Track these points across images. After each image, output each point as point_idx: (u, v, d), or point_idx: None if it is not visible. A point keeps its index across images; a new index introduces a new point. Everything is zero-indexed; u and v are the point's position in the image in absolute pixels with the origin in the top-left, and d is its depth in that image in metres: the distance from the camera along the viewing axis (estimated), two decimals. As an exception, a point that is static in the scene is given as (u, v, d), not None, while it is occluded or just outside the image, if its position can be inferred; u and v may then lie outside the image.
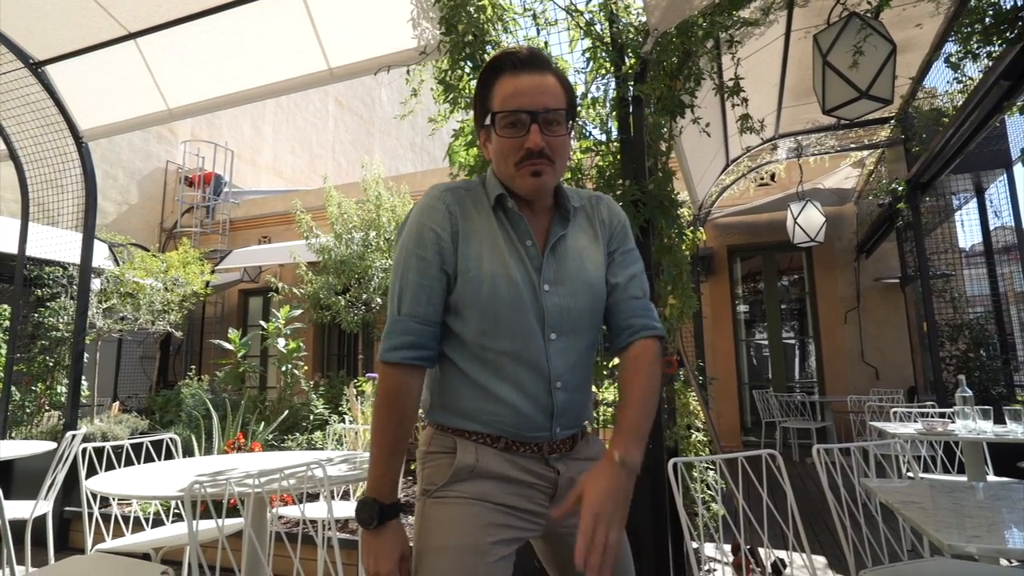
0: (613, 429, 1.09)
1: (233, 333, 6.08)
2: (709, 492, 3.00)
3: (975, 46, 2.86)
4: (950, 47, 3.76)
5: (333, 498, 3.01)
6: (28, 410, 4.70)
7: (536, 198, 1.15)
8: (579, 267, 1.16)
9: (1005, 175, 4.95)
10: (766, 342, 8.17)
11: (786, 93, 4.66)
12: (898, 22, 3.53)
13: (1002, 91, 3.09)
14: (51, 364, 4.82)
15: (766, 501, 2.00)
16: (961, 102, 3.84)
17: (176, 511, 3.23)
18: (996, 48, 2.80)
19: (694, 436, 3.44)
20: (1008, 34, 2.58)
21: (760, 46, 3.78)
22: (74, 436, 2.96)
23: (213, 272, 7.86)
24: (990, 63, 3.07)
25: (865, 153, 6.24)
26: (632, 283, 1.20)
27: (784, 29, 3.82)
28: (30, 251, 4.47)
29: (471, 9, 2.84)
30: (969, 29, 2.84)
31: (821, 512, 4.29)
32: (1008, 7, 2.78)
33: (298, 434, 4.99)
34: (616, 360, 3.41)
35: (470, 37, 2.83)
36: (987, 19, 2.71)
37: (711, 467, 3.08)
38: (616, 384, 3.61)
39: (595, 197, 1.26)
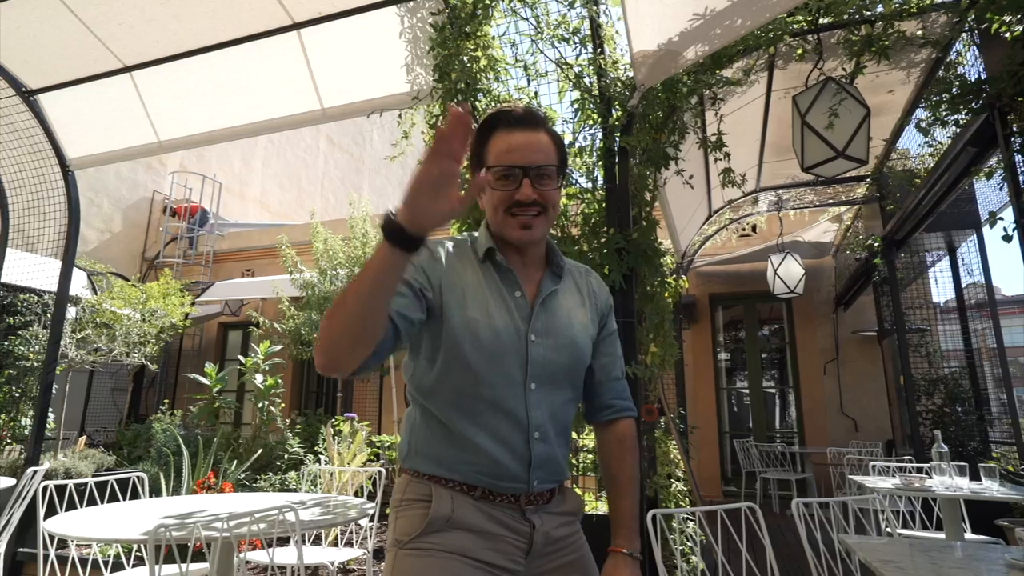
0: (612, 518, 1.22)
1: (210, 367, 5.96)
2: (688, 544, 2.95)
3: (943, 114, 3.01)
4: (921, 113, 3.94)
5: (304, 543, 2.91)
6: (-11, 442, 4.53)
7: (525, 246, 1.19)
8: (567, 324, 1.19)
9: (975, 235, 5.12)
10: (747, 391, 8.20)
11: (767, 149, 4.81)
12: (872, 88, 3.70)
13: (970, 157, 3.24)
14: (17, 394, 4.67)
15: (745, 556, 1.97)
16: (932, 164, 4.00)
17: (138, 554, 3.09)
18: (963, 116, 2.94)
19: (674, 486, 3.41)
20: (974, 104, 2.72)
21: (742, 103, 3.93)
22: (35, 472, 2.85)
23: (193, 304, 7.75)
24: (958, 130, 3.22)
25: (843, 209, 6.42)
26: (616, 364, 1.29)
27: (765, 89, 3.98)
28: (5, 277, 4.38)
29: (464, 58, 2.93)
30: (937, 98, 3.00)
31: (801, 567, 4.23)
32: (973, 79, 2.94)
33: (271, 474, 4.85)
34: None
35: (462, 85, 2.92)
36: (954, 89, 2.87)
37: (691, 518, 3.04)
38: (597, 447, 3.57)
39: (584, 268, 1.34)
